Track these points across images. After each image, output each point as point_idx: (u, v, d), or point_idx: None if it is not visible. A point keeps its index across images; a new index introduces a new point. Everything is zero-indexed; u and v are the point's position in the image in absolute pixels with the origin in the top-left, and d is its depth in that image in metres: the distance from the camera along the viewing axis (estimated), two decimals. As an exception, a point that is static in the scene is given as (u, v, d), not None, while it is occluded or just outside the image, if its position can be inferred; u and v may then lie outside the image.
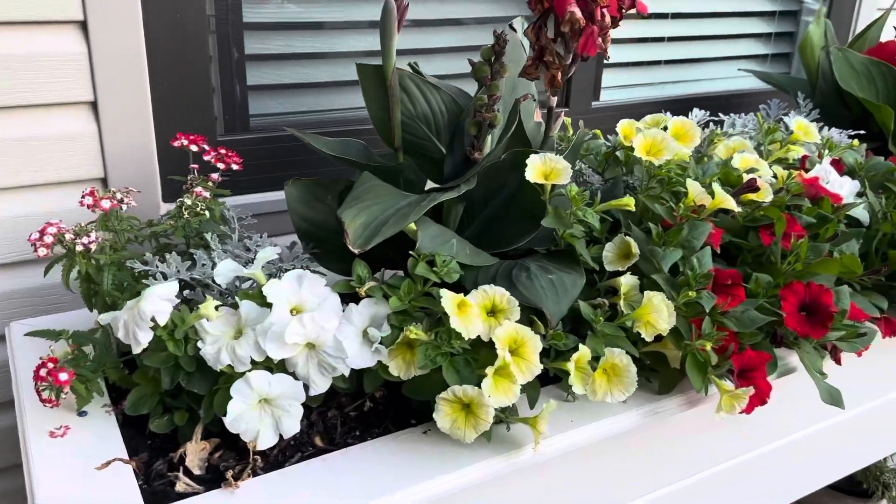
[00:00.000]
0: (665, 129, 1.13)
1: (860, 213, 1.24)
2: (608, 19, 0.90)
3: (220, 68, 1.33)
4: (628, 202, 0.98)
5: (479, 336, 0.87)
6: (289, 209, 1.07)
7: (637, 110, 1.81)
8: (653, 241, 1.01)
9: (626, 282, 0.97)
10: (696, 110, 1.49)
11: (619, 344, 0.94)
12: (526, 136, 1.01)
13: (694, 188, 1.04)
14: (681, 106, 1.91)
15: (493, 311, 0.90)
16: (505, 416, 0.88)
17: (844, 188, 1.26)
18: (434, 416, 0.85)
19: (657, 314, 0.92)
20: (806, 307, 1.05)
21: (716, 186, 1.03)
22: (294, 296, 0.86)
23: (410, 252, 0.90)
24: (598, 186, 1.24)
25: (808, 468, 1.32)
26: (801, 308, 1.05)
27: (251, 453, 0.85)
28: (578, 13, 0.90)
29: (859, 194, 1.27)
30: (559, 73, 0.97)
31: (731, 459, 1.16)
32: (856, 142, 1.41)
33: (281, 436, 0.86)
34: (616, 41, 1.81)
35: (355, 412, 0.95)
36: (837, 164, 1.33)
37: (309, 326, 0.83)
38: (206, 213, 1.03)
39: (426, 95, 1.10)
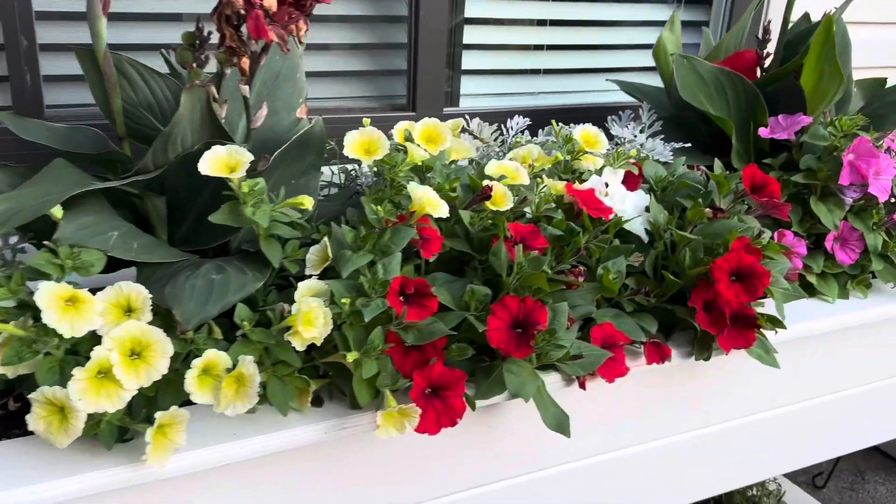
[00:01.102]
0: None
1: (637, 228, 1.15)
2: (270, 2, 0.84)
3: (7, 57, 1.30)
4: (302, 200, 0.91)
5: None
6: (-4, 196, 1.03)
7: (498, 118, 1.73)
8: (349, 244, 0.94)
9: (304, 286, 0.90)
10: (517, 118, 1.41)
11: (280, 352, 0.87)
12: (221, 127, 0.95)
13: (416, 192, 0.97)
14: (554, 116, 1.82)
15: (130, 310, 0.84)
16: (126, 423, 0.82)
17: (628, 202, 1.17)
18: (27, 417, 0.79)
19: (308, 321, 0.84)
20: (520, 324, 0.96)
21: (424, 190, 0.95)
22: None
23: (45, 242, 0.85)
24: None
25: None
26: (515, 324, 0.96)
27: None
28: (235, -6, 0.84)
29: (648, 209, 1.18)
30: (245, 60, 0.91)
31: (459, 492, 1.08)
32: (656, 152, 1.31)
33: None
34: (485, 47, 1.74)
35: (2, 411, 0.90)
36: (634, 177, 1.24)
37: None
38: None
39: (148, 82, 1.05)
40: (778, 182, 1.16)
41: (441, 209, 0.96)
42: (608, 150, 1.27)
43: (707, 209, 1.14)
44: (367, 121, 1.25)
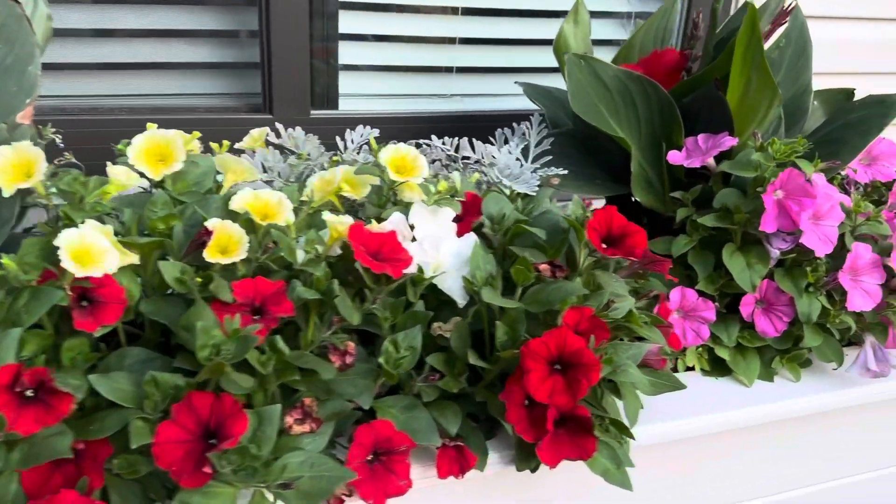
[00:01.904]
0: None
1: (451, 287, 0.84)
2: None
3: None
4: None
5: None
6: None
7: (390, 124, 1.44)
8: (-37, 310, 0.66)
9: None
10: (361, 128, 1.12)
11: None
12: None
13: (62, 236, 0.67)
14: (467, 124, 1.53)
15: None
16: None
17: (445, 250, 0.86)
18: None
19: None
20: (214, 433, 0.67)
21: (80, 234, 0.67)
22: None
23: None
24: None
25: None
26: (208, 434, 0.67)
27: None
28: None
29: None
30: None
31: None
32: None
33: None
34: (374, 38, 1.45)
35: None
36: (469, 217, 0.93)
37: None
38: None
39: None
40: (644, 232, 0.84)
41: (101, 263, 0.67)
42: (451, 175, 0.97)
43: (545, 265, 0.83)
44: (151, 125, 0.97)
